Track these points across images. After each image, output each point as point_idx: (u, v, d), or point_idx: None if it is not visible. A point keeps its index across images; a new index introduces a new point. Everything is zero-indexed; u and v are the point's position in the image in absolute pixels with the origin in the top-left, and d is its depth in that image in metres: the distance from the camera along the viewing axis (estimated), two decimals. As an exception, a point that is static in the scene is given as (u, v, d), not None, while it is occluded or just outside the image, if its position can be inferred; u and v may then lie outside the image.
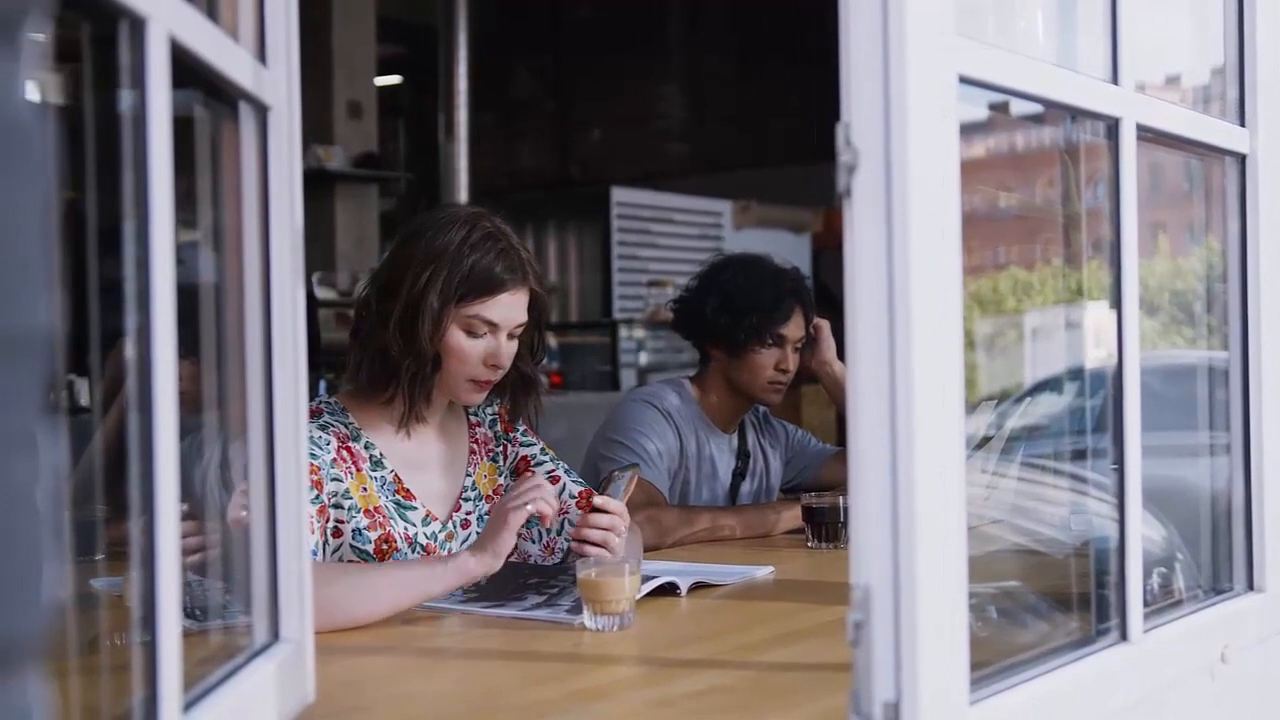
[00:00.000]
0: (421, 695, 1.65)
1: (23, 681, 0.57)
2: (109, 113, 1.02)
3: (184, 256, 1.09)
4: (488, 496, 2.38)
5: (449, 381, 2.26)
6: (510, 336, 2.26)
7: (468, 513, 2.35)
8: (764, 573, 2.38)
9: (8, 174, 0.55)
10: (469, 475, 2.37)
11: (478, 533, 2.31)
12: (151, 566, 1.01)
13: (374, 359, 2.23)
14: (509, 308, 2.24)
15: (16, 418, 0.55)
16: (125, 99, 1.01)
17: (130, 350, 1.02)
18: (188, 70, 1.11)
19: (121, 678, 1.19)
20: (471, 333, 2.22)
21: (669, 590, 2.14)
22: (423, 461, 2.31)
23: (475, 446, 2.40)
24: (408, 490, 2.26)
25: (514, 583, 2.14)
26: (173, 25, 1.04)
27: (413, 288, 2.18)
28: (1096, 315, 1.97)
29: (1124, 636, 1.55)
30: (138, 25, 1.00)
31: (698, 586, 2.21)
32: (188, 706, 1.09)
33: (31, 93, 0.59)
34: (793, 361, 3.05)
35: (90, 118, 1.04)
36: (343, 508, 2.16)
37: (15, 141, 0.55)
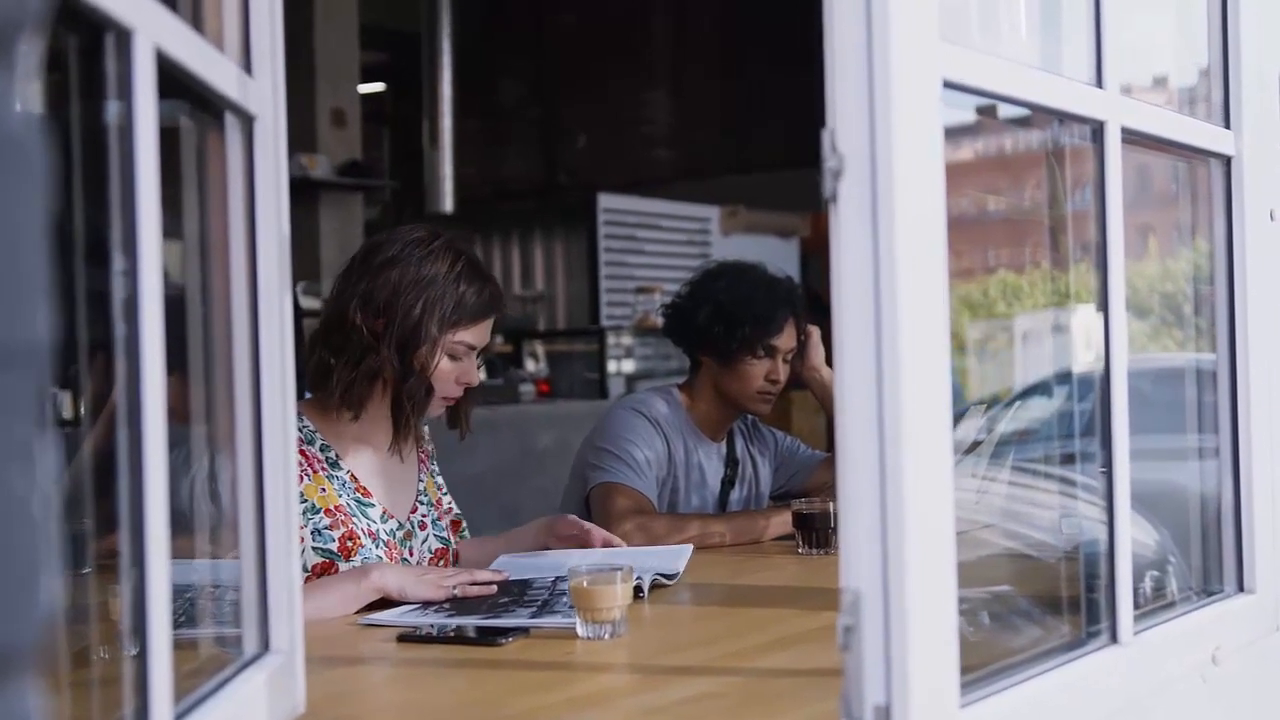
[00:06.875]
0: (412, 706, 1.64)
1: (22, 689, 0.58)
2: (94, 123, 1.02)
3: (169, 267, 1.08)
4: (435, 503, 2.49)
5: None
6: (479, 356, 2.39)
7: (423, 515, 2.45)
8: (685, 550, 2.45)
9: (6, 187, 0.55)
10: (420, 481, 2.48)
11: (435, 535, 2.45)
12: (142, 579, 1.01)
13: (363, 379, 2.29)
14: (488, 332, 2.38)
15: (15, 428, 0.56)
16: (111, 109, 1.01)
17: (118, 362, 1.01)
18: (172, 80, 1.11)
19: (108, 690, 1.19)
20: (453, 356, 2.33)
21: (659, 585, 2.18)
22: (378, 467, 2.39)
23: (423, 457, 2.52)
24: (365, 488, 2.35)
25: (498, 600, 2.12)
26: (159, 36, 1.04)
27: (408, 315, 2.27)
28: (1085, 318, 1.97)
29: (1114, 638, 1.55)
30: (124, 36, 1.00)
31: (658, 585, 2.25)
32: (178, 718, 1.09)
33: (26, 105, 0.59)
34: (783, 372, 3.05)
35: (75, 128, 1.04)
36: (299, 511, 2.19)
37: (12, 154, 0.55)
